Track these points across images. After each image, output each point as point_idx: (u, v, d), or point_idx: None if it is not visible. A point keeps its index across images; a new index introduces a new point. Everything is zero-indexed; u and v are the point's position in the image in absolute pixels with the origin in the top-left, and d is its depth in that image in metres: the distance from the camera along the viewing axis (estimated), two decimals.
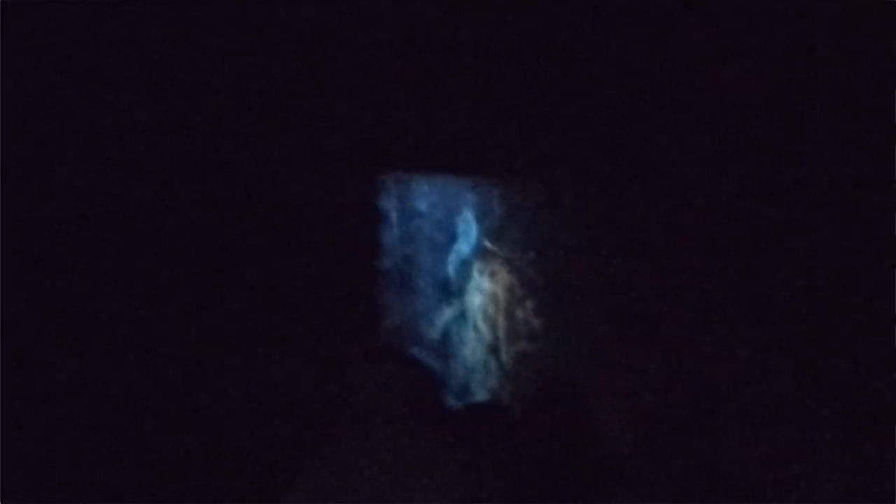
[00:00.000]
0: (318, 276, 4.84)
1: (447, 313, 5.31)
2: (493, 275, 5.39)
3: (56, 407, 4.10)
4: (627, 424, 3.84)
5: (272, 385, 4.50)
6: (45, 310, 4.20)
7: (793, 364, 5.08)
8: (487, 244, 5.41)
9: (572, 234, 5.41)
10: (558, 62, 5.09)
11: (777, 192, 5.29)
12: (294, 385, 4.52)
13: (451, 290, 5.35)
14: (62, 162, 4.33)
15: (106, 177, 4.40)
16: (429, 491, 2.46)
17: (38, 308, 4.18)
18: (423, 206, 5.40)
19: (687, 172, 5.27)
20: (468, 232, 5.43)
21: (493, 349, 5.34)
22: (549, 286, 5.38)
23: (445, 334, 5.26)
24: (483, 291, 5.39)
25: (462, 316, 5.35)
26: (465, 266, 5.41)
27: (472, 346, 5.31)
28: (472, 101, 5.13)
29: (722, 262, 5.25)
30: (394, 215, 5.27)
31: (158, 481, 4.14)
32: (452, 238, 5.40)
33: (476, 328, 5.34)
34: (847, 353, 5.11)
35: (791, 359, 5.09)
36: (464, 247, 5.41)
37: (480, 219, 5.42)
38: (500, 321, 5.37)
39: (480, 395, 5.00)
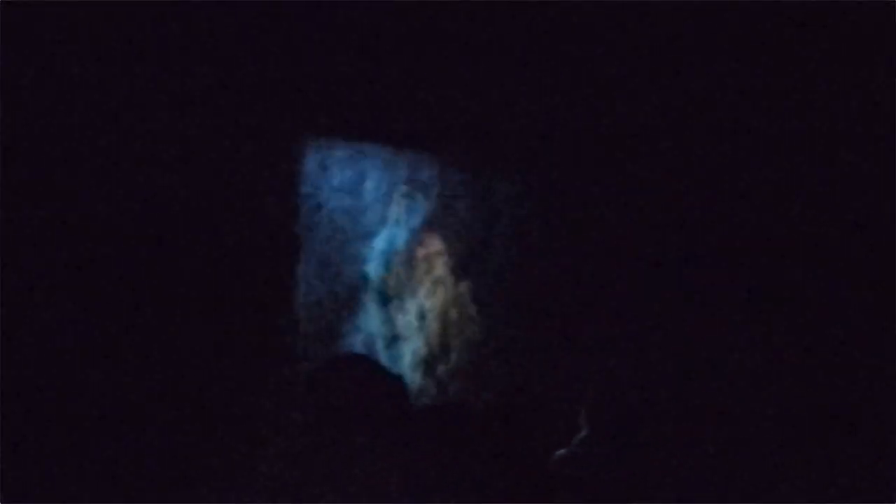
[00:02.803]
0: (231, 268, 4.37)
1: (378, 311, 4.85)
2: (429, 266, 4.97)
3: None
4: (577, 423, 3.88)
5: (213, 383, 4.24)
6: None
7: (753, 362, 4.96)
8: (424, 231, 4.98)
9: (515, 223, 5.13)
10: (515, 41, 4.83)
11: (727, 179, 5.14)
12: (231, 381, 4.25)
13: (382, 286, 4.87)
14: None
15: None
16: (393, 488, 2.50)
17: None
18: (349, 182, 4.82)
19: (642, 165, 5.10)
20: (402, 216, 4.94)
21: (432, 354, 4.92)
22: (493, 277, 5.07)
23: (378, 333, 4.82)
24: (420, 286, 4.94)
25: (392, 317, 4.88)
26: (398, 256, 4.92)
27: (409, 347, 4.88)
28: (415, 66, 4.71)
29: (673, 256, 5.05)
30: (315, 193, 4.71)
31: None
32: (383, 222, 4.90)
33: (415, 326, 4.90)
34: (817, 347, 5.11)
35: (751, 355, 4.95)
36: (397, 232, 4.92)
37: (417, 202, 4.97)
38: (438, 323, 4.94)
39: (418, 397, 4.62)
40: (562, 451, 3.61)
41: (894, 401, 4.73)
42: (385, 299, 4.87)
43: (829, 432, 4.88)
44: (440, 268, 4.96)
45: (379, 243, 4.88)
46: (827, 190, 5.04)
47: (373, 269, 4.84)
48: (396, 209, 4.93)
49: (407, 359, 4.81)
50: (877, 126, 4.95)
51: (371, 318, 4.81)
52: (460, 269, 5.01)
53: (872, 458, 4.71)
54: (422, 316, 4.91)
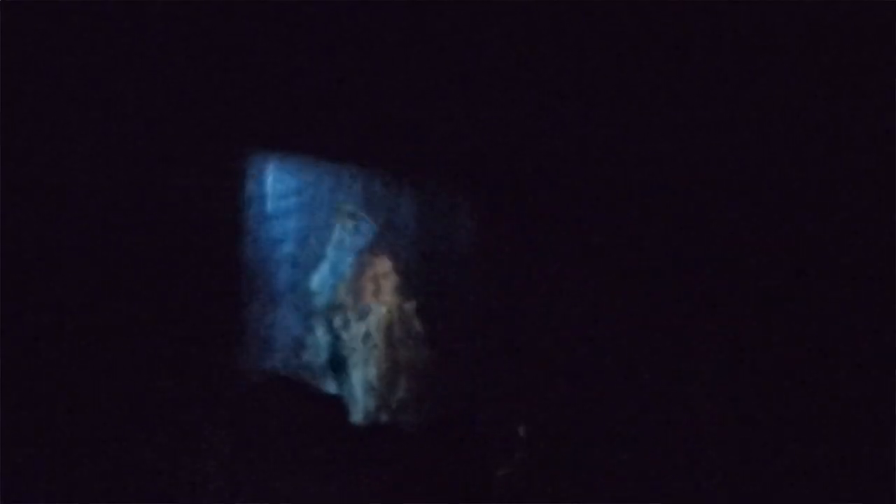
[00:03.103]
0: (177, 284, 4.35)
1: (324, 334, 4.75)
2: (376, 287, 4.88)
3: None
4: (516, 443, 3.90)
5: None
6: None
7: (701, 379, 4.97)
8: (370, 251, 4.88)
9: (467, 241, 5.03)
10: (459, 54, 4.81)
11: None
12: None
13: (327, 309, 4.78)
14: None
15: None
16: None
17: None
18: (293, 198, 4.73)
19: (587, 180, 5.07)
20: (346, 237, 4.85)
21: (381, 378, 4.74)
22: (440, 298, 4.96)
23: (324, 357, 4.67)
24: (367, 308, 4.83)
25: (339, 339, 4.75)
26: (344, 278, 4.83)
27: (357, 372, 4.69)
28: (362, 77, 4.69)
29: (624, 280, 5.01)
30: (255, 210, 4.64)
31: None
32: (327, 244, 4.82)
33: (362, 350, 4.76)
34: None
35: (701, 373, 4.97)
36: (342, 254, 4.83)
37: (362, 222, 4.88)
38: (385, 345, 4.81)
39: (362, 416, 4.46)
40: (503, 471, 3.67)
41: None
42: (331, 322, 4.78)
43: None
44: (387, 289, 4.89)
45: (324, 265, 4.79)
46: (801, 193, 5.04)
47: (318, 292, 4.77)
48: (341, 230, 4.85)
49: (356, 384, 4.67)
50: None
51: (317, 341, 4.73)
52: (407, 289, 4.92)
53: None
54: (368, 338, 4.81)
